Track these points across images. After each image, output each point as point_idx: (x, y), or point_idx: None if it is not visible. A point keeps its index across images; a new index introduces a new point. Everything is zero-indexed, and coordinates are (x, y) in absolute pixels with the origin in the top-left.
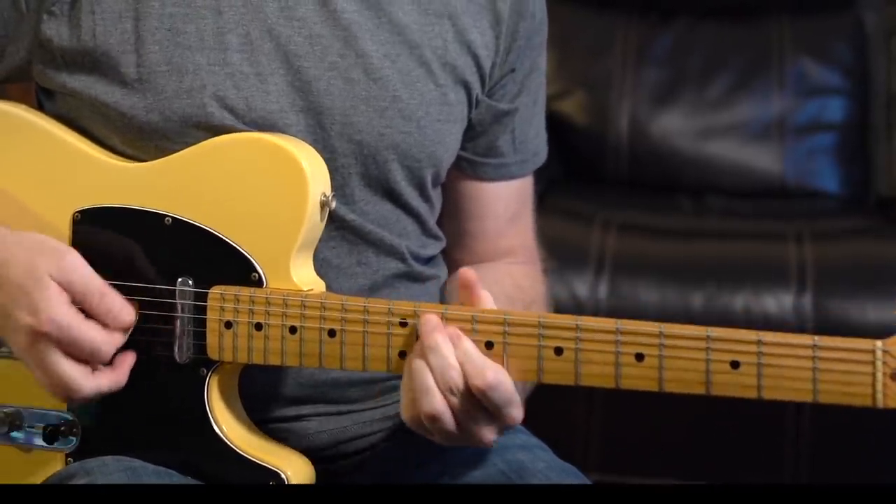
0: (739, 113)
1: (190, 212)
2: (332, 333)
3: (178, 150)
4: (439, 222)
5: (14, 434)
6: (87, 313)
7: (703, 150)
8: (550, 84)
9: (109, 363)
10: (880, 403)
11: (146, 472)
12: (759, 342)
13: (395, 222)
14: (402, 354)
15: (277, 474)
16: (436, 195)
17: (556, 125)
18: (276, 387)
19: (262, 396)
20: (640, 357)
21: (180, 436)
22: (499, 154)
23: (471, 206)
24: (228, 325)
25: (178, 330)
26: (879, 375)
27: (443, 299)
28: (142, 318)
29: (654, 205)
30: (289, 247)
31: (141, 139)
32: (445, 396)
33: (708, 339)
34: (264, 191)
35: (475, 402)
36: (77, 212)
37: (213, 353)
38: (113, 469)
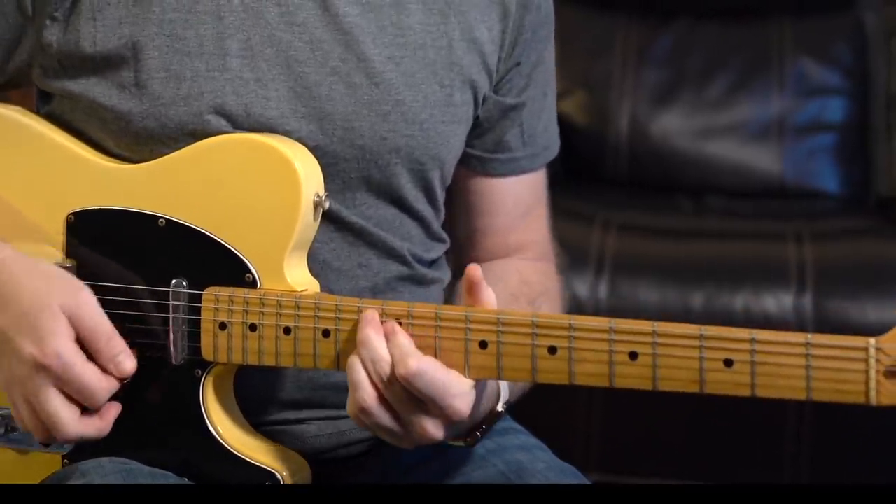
0: (739, 113)
1: (183, 213)
2: (326, 333)
3: None
4: (449, 221)
5: (11, 436)
6: (91, 355)
7: (702, 150)
8: None
9: (96, 410)
10: (874, 401)
11: (142, 474)
12: (752, 340)
13: (399, 226)
14: None
15: (273, 474)
16: (442, 198)
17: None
18: (275, 390)
19: (261, 400)
20: (633, 356)
21: (176, 437)
22: (508, 149)
23: (481, 202)
24: (223, 326)
25: (172, 331)
26: (873, 373)
27: (447, 302)
28: (137, 320)
29: (653, 205)
30: (282, 247)
31: (136, 143)
32: (378, 389)
33: (701, 337)
34: (257, 191)
35: (407, 394)
36: (71, 214)
37: (207, 355)
38: (109, 470)
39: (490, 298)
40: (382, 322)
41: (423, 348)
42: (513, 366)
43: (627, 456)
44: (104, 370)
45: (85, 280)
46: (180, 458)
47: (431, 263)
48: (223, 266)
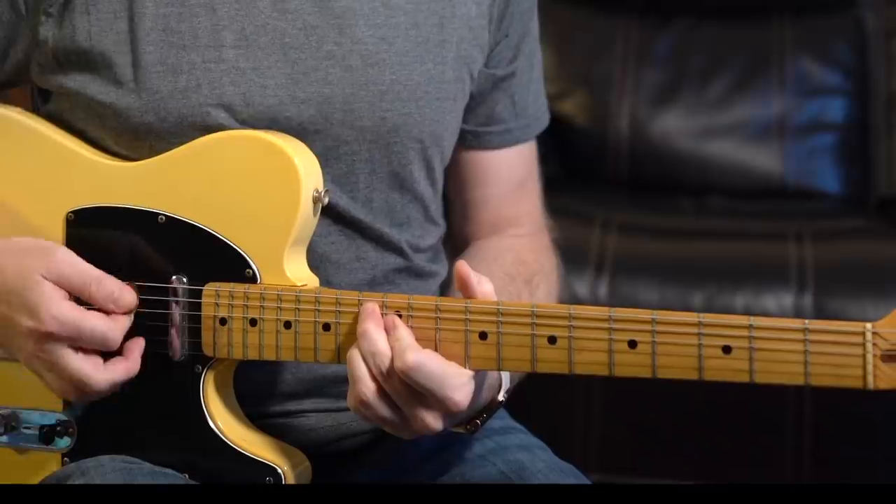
0: (739, 113)
1: (183, 209)
2: (326, 327)
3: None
4: (445, 197)
5: (10, 435)
6: (88, 303)
7: (703, 150)
8: (550, 84)
9: (119, 352)
10: (871, 385)
11: (142, 472)
12: (750, 326)
13: (400, 210)
14: None
15: (274, 470)
16: (441, 177)
17: (556, 125)
18: (275, 382)
19: (261, 391)
20: (632, 344)
21: (176, 433)
22: (500, 121)
23: (476, 174)
24: (223, 321)
25: (172, 327)
26: (870, 357)
27: (444, 294)
28: (137, 317)
29: (654, 205)
30: (282, 242)
31: (136, 139)
32: (378, 382)
33: (700, 324)
34: (257, 187)
35: (406, 387)
36: (70, 212)
37: (208, 350)
38: (109, 469)
39: (485, 289)
40: (383, 315)
41: (423, 340)
42: (513, 356)
43: (628, 456)
44: (107, 312)
45: None
46: (181, 455)
47: (428, 252)
48: (223, 262)
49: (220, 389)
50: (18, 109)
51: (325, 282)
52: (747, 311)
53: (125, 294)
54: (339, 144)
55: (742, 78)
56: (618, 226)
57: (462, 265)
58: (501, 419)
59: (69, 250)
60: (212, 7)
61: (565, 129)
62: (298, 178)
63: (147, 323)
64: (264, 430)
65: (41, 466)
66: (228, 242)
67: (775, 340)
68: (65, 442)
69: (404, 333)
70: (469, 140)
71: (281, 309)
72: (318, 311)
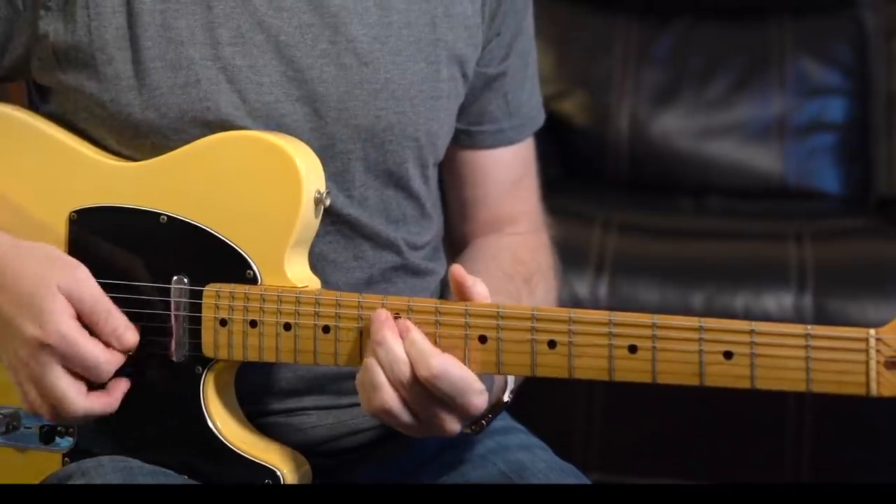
0: (739, 113)
1: (185, 210)
2: (326, 330)
3: (174, 148)
4: (442, 197)
5: (11, 435)
6: (92, 331)
7: (703, 150)
8: (550, 84)
9: (103, 387)
10: (874, 392)
11: (142, 473)
12: (751, 332)
13: (395, 207)
14: None
15: (274, 472)
16: (435, 175)
17: (556, 125)
18: (275, 379)
19: (261, 389)
20: (633, 349)
21: (177, 434)
22: (493, 120)
23: (472, 173)
24: (223, 322)
25: (173, 328)
26: (873, 364)
27: (442, 294)
28: (138, 317)
29: (654, 205)
30: (283, 244)
31: (137, 137)
32: (397, 390)
33: (701, 329)
34: (259, 188)
35: (427, 393)
36: (73, 212)
37: (208, 351)
38: (109, 469)
39: (481, 292)
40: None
41: None
42: (512, 361)
43: (628, 456)
44: (107, 345)
45: None
46: (181, 456)
47: (425, 248)
48: (224, 262)
49: (220, 391)
50: (20, 108)
51: (324, 282)
52: (747, 311)
53: (129, 333)
54: (333, 143)
55: (742, 78)
56: (618, 226)
57: (457, 268)
58: (502, 419)
59: (90, 273)
60: (207, 4)
61: (565, 130)
62: (300, 179)
63: (147, 324)
64: (265, 428)
65: (42, 466)
66: (230, 243)
67: (777, 346)
68: (65, 442)
69: (418, 337)
70: (463, 139)
71: (281, 311)
72: (318, 313)
